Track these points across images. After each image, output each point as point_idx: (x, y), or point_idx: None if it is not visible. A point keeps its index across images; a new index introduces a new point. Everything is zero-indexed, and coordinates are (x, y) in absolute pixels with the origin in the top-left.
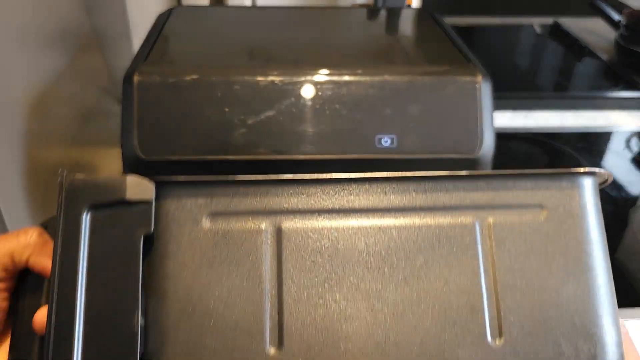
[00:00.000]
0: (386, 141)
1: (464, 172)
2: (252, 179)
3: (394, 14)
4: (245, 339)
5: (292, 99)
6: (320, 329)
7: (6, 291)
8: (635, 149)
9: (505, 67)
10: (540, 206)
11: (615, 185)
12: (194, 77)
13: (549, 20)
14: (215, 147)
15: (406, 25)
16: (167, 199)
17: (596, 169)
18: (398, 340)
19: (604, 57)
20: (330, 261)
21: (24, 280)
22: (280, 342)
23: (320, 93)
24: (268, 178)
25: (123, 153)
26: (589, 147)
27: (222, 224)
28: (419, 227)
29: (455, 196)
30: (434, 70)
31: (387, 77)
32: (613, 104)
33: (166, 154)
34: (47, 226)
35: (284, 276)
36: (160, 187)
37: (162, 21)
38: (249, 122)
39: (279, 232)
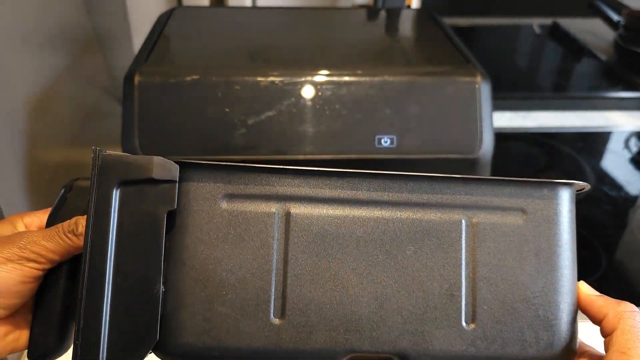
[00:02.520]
0: (386, 141)
1: (457, 175)
2: (267, 167)
3: (393, 15)
4: (253, 308)
5: (292, 99)
6: (319, 304)
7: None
8: (634, 148)
9: (505, 68)
10: (522, 210)
11: (615, 185)
12: (195, 77)
13: (548, 20)
14: (216, 147)
15: (406, 25)
16: (189, 180)
17: (575, 181)
18: (385, 317)
19: (603, 57)
20: (331, 245)
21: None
22: (283, 313)
23: (320, 93)
24: (282, 167)
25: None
26: (588, 147)
27: (237, 205)
28: (412, 221)
29: (447, 196)
30: (433, 71)
31: (387, 78)
32: (612, 104)
33: (167, 154)
34: (72, 187)
35: (289, 255)
36: (183, 169)
37: (162, 22)
38: (250, 122)
39: (287, 216)
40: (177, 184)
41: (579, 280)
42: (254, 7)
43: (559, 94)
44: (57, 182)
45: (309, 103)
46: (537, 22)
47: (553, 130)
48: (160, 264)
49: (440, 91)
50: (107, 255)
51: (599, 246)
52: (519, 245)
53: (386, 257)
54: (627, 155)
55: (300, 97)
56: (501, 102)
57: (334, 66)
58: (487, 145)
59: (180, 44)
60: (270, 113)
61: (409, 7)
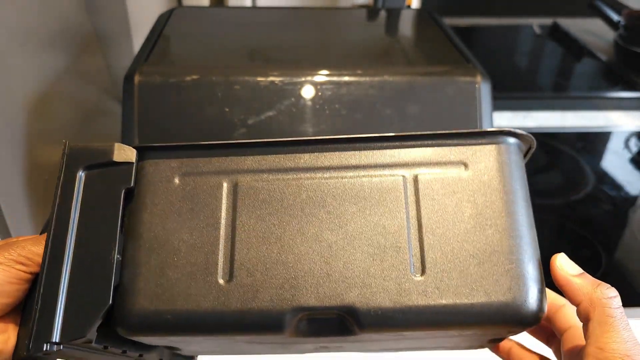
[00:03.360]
0: None
1: (394, 134)
2: (214, 143)
3: (393, 15)
4: (201, 272)
5: (292, 99)
6: (265, 264)
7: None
8: (634, 148)
9: (505, 68)
10: (463, 163)
11: (615, 185)
12: (195, 77)
13: (548, 20)
14: None
15: (406, 25)
16: (147, 162)
17: (516, 130)
18: (330, 273)
19: (603, 57)
20: (276, 210)
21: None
22: (230, 275)
23: (320, 93)
24: (228, 142)
25: None
26: (588, 147)
27: (190, 181)
28: (354, 181)
29: (386, 155)
30: (433, 71)
31: (387, 78)
32: (612, 104)
33: None
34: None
35: (237, 222)
36: (142, 152)
37: (162, 22)
38: (249, 122)
39: (235, 187)
40: (134, 165)
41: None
42: (254, 7)
43: (559, 94)
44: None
45: (309, 103)
46: (537, 22)
47: (553, 130)
48: (115, 235)
49: (440, 91)
50: (70, 229)
51: (599, 246)
52: (464, 197)
53: (329, 216)
54: (627, 155)
55: (300, 97)
56: (501, 102)
57: (334, 66)
58: None
59: (180, 44)
60: (270, 113)
61: (409, 7)
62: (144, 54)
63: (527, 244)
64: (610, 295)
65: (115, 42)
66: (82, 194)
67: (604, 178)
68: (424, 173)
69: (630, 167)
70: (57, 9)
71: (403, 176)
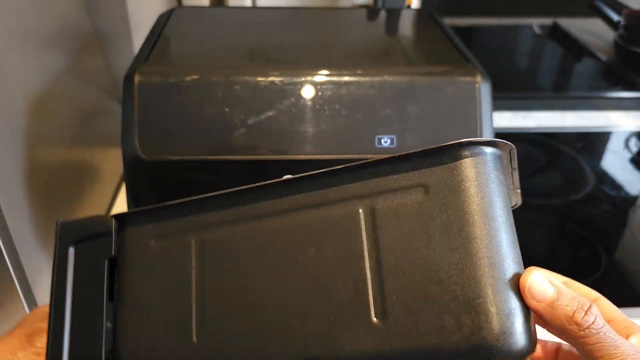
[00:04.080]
0: (386, 141)
1: (348, 165)
2: (180, 202)
3: (393, 15)
4: (178, 329)
5: (292, 99)
6: (234, 319)
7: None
8: (634, 149)
9: (505, 68)
10: (422, 185)
11: (615, 185)
12: (195, 77)
13: (548, 20)
14: (216, 147)
15: (406, 25)
16: (127, 229)
17: (477, 139)
18: (292, 323)
19: (603, 57)
20: (241, 261)
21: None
22: (201, 334)
23: (320, 93)
24: (190, 199)
25: (124, 153)
26: (588, 147)
27: (163, 242)
28: (310, 222)
29: (340, 189)
30: (433, 71)
31: (387, 78)
32: (612, 104)
33: (167, 154)
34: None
35: (207, 278)
36: (121, 220)
37: (162, 22)
38: (249, 122)
39: (203, 244)
40: (113, 235)
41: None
42: (254, 7)
43: (559, 94)
44: (56, 182)
45: (309, 103)
46: (537, 22)
47: (553, 130)
48: (102, 304)
49: (440, 91)
50: (66, 302)
51: (599, 246)
52: (425, 223)
53: (289, 262)
54: (627, 155)
55: (300, 97)
56: (501, 102)
57: (334, 66)
58: None
59: (180, 44)
60: (270, 113)
61: (409, 7)
62: (144, 54)
63: (502, 270)
64: (587, 325)
65: (115, 42)
66: (74, 268)
67: (604, 178)
68: (380, 203)
69: (630, 167)
70: (57, 9)
71: (359, 209)
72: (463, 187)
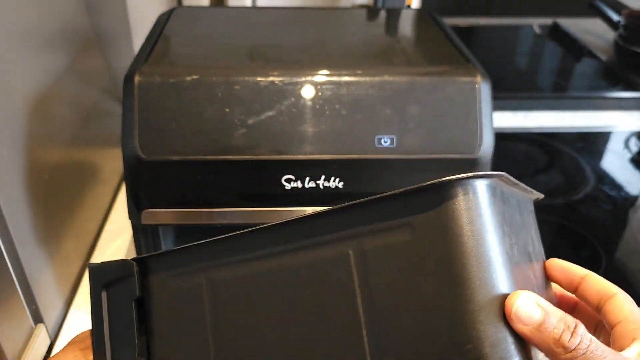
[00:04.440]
0: (386, 141)
1: (337, 207)
2: (189, 245)
3: (393, 15)
4: None
5: (292, 99)
6: (245, 355)
7: None
8: (634, 149)
9: (505, 68)
10: (408, 225)
11: (615, 185)
12: (195, 77)
13: (548, 20)
14: (216, 147)
15: (406, 25)
16: (147, 270)
17: (464, 175)
18: None
19: (603, 57)
20: (250, 304)
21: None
22: None
23: (320, 93)
24: (199, 243)
25: (124, 153)
26: (588, 147)
27: (178, 283)
28: (305, 264)
29: (331, 230)
30: (433, 71)
31: (387, 78)
32: (612, 104)
33: (167, 154)
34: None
35: (219, 320)
36: (141, 262)
37: (162, 22)
38: (250, 122)
39: (212, 283)
40: (135, 277)
41: None
42: (254, 7)
43: (559, 94)
44: (56, 182)
45: (309, 103)
46: (537, 22)
47: (553, 130)
48: (134, 340)
49: (440, 91)
50: (105, 341)
51: (599, 246)
52: (413, 264)
53: (289, 303)
54: (627, 155)
55: (300, 97)
56: (501, 102)
57: (334, 66)
58: (487, 145)
59: (180, 44)
60: (270, 113)
61: (409, 7)
62: (144, 54)
63: (493, 309)
64: (573, 347)
65: (115, 42)
66: (108, 309)
67: (604, 178)
68: (369, 243)
69: (630, 167)
70: (57, 9)
71: (349, 251)
72: (449, 226)
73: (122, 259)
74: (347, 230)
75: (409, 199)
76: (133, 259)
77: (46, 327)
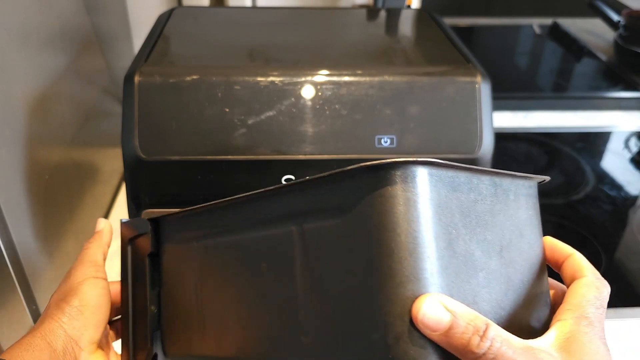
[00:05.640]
0: (386, 141)
1: (284, 184)
2: (187, 210)
3: (393, 15)
4: (189, 322)
5: (292, 99)
6: (218, 317)
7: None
8: (634, 149)
9: (505, 68)
10: (338, 208)
11: (615, 185)
12: (195, 77)
13: (548, 20)
14: (216, 147)
15: (406, 25)
16: (160, 230)
17: (393, 159)
18: (248, 336)
19: (603, 57)
20: (222, 269)
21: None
22: (203, 327)
23: (320, 93)
24: (193, 208)
25: (124, 153)
26: (588, 147)
27: (179, 243)
28: (261, 238)
29: (280, 207)
30: (433, 71)
31: (387, 78)
32: (612, 104)
33: (167, 154)
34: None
35: (202, 279)
36: (154, 222)
37: (162, 22)
38: (250, 122)
39: (200, 249)
40: (149, 234)
41: None
42: (254, 7)
43: (559, 94)
44: (56, 181)
45: (309, 103)
46: (537, 22)
47: (553, 130)
48: (146, 292)
49: (440, 91)
50: (129, 291)
51: (599, 246)
52: (343, 247)
53: (250, 274)
54: (627, 155)
55: (300, 97)
56: (501, 102)
57: (334, 66)
58: (487, 145)
59: (180, 44)
60: (270, 113)
61: (408, 7)
62: (144, 54)
63: (401, 302)
64: (483, 351)
65: (115, 42)
66: (131, 262)
67: (604, 178)
68: (309, 223)
69: (630, 167)
70: (57, 8)
71: (292, 228)
72: (371, 213)
73: (143, 218)
74: (290, 209)
75: (342, 182)
76: (149, 219)
77: None
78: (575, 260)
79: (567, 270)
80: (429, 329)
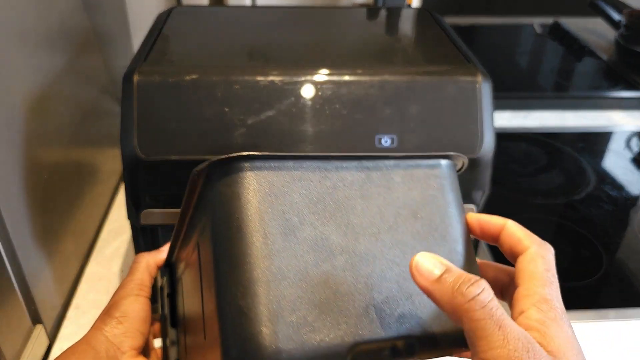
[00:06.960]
0: (386, 141)
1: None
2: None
3: (394, 14)
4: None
5: (292, 99)
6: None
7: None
8: (635, 148)
9: (505, 67)
10: (205, 208)
11: (616, 185)
12: (194, 77)
13: (549, 20)
14: (215, 147)
15: (406, 25)
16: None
17: (213, 159)
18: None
19: (604, 56)
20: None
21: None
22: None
23: (320, 93)
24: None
25: (122, 153)
26: (589, 147)
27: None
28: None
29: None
30: (434, 71)
31: (387, 77)
32: (613, 104)
33: (166, 154)
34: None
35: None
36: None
37: (161, 21)
38: (249, 122)
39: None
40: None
41: None
42: (254, 6)
43: (560, 94)
44: (55, 181)
45: (309, 103)
46: (537, 22)
47: (554, 130)
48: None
49: (440, 91)
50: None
51: (600, 246)
52: (212, 246)
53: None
54: (628, 155)
55: (300, 96)
56: (501, 102)
57: (334, 66)
58: (487, 145)
59: (180, 43)
60: (270, 113)
61: (409, 6)
62: (143, 53)
63: (233, 288)
64: (472, 296)
65: (114, 41)
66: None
67: (605, 178)
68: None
69: (631, 167)
70: (55, 8)
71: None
72: (217, 209)
73: (161, 267)
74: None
75: (203, 188)
76: (165, 265)
77: (45, 327)
78: (510, 232)
79: (505, 245)
80: (422, 277)
